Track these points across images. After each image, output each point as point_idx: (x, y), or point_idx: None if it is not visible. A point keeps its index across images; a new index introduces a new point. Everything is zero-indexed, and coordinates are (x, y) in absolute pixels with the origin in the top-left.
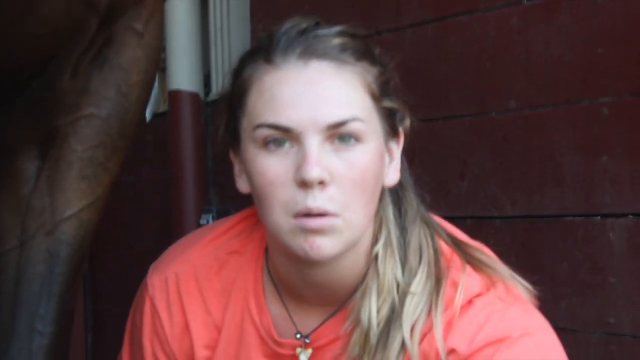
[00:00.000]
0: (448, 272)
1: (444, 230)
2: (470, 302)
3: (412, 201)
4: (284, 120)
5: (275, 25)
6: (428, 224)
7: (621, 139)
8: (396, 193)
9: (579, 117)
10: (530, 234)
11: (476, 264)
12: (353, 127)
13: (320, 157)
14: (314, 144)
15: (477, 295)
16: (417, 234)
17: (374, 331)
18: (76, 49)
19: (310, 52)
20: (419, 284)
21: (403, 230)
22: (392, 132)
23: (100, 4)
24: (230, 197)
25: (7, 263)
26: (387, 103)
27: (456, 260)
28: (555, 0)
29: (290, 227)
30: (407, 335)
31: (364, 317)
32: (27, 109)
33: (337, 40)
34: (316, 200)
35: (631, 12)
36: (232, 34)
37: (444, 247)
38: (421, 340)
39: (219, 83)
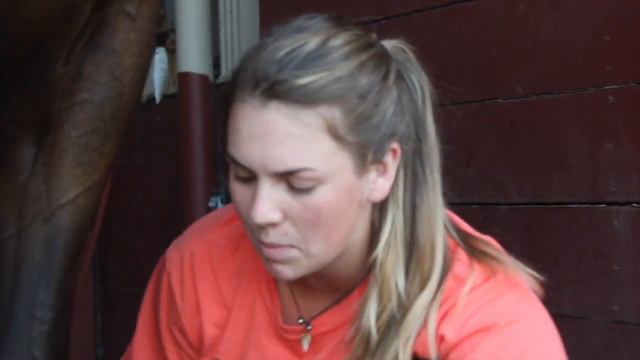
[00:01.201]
0: (450, 264)
1: (452, 224)
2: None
3: (435, 194)
4: (239, 157)
5: (277, 24)
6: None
7: (627, 127)
8: (414, 186)
9: (585, 104)
10: (536, 221)
11: (480, 256)
12: (303, 175)
13: (272, 199)
14: (266, 187)
15: (476, 287)
16: (429, 237)
17: (374, 337)
18: (70, 34)
19: (272, 93)
20: (427, 298)
21: (413, 233)
22: (377, 154)
23: None
24: None
25: (6, 251)
26: (362, 134)
27: (461, 254)
28: None
29: (255, 244)
30: (401, 343)
31: (365, 324)
32: (23, 96)
33: (306, 80)
34: (269, 236)
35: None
36: (242, 16)
37: (450, 242)
38: (419, 334)
39: (229, 65)
